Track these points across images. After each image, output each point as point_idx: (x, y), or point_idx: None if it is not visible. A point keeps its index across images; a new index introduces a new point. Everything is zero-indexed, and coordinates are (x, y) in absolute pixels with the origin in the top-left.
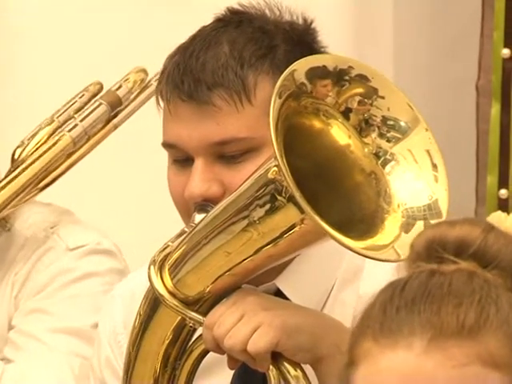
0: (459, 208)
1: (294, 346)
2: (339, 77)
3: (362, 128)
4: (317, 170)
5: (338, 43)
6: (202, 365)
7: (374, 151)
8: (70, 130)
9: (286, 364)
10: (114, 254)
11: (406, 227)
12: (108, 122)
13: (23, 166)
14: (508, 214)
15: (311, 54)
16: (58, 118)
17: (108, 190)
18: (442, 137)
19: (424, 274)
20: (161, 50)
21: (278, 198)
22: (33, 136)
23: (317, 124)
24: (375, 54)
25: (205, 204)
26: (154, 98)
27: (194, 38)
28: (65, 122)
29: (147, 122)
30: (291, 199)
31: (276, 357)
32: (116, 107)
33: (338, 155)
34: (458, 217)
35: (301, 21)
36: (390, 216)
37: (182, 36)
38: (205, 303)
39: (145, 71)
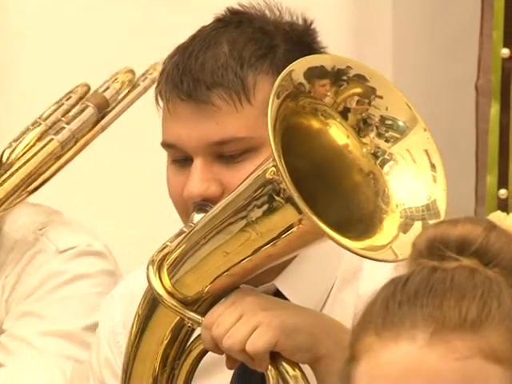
0: (459, 208)
1: (292, 345)
2: (337, 77)
3: (361, 128)
4: (315, 169)
5: (337, 43)
6: (201, 365)
7: (372, 151)
8: (57, 134)
9: (284, 364)
10: (105, 256)
11: (404, 227)
12: (96, 123)
13: (12, 169)
14: (507, 213)
15: (311, 55)
16: (45, 120)
17: (102, 190)
18: (441, 136)
19: (426, 270)
20: (161, 50)
21: (276, 198)
22: (20, 138)
23: (315, 124)
24: (375, 53)
25: (204, 204)
26: (145, 98)
27: (193, 38)
28: (53, 124)
29: (141, 122)
30: (289, 199)
31: (275, 357)
32: (103, 109)
33: (336, 155)
34: (458, 217)
35: (301, 21)
36: (389, 216)
37: (182, 36)
38: (203, 303)
39: (132, 72)
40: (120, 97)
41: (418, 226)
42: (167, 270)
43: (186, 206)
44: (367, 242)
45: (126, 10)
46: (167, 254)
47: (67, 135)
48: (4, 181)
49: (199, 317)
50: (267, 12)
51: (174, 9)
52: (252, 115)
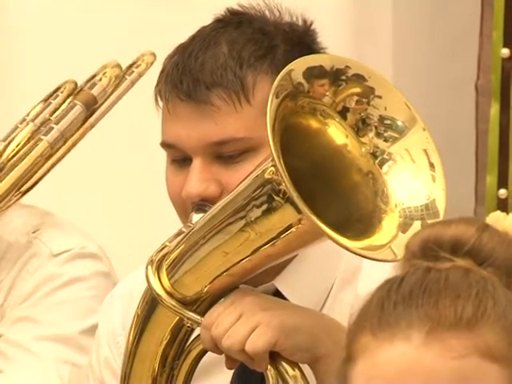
0: (458, 208)
1: (292, 345)
2: (336, 76)
3: (359, 127)
4: (314, 169)
5: (337, 43)
6: (201, 365)
7: (371, 151)
8: (46, 134)
9: (284, 364)
10: (99, 257)
11: (404, 227)
12: (85, 121)
13: (3, 172)
14: (507, 213)
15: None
16: (33, 120)
17: (101, 191)
18: (441, 136)
19: (420, 271)
20: (160, 50)
21: (275, 198)
22: (9, 137)
23: (314, 124)
24: (374, 53)
25: (202, 204)
26: (144, 98)
27: (193, 38)
28: (41, 124)
29: (141, 122)
30: (288, 199)
31: (274, 357)
32: (91, 106)
33: (335, 155)
34: (457, 217)
35: (300, 22)
36: (388, 216)
37: (182, 36)
38: (203, 303)
39: (119, 66)
40: (108, 93)
41: (417, 226)
42: (166, 270)
43: (185, 206)
44: (366, 242)
45: (126, 10)
46: (166, 254)
47: (56, 135)
48: None
49: (198, 317)
50: (267, 13)
51: (173, 9)
52: (251, 115)
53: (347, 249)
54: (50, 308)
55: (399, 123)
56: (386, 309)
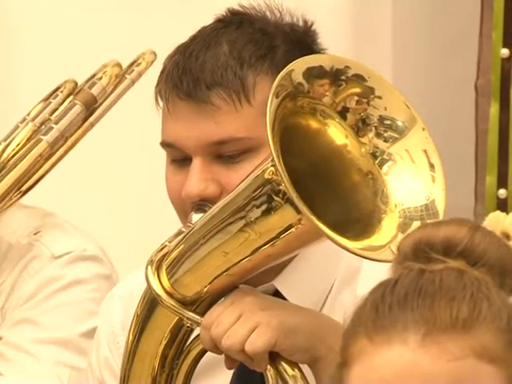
0: (458, 208)
1: (291, 345)
2: (336, 77)
3: (359, 128)
4: (314, 169)
5: (337, 43)
6: (201, 365)
7: (371, 151)
8: (45, 134)
9: (283, 364)
10: (100, 259)
11: (403, 227)
12: (84, 120)
13: (3, 172)
14: (507, 213)
15: None
16: (33, 120)
17: (100, 191)
18: (440, 136)
19: (414, 273)
20: (161, 50)
21: (275, 198)
22: (9, 137)
23: (314, 124)
24: (374, 53)
25: (202, 204)
26: (144, 98)
27: (193, 38)
28: (41, 124)
29: (141, 122)
30: (288, 200)
31: (274, 357)
32: (91, 106)
33: (335, 155)
34: (457, 217)
35: (301, 23)
36: (387, 216)
37: (182, 36)
38: (202, 303)
39: (119, 65)
40: (108, 92)
41: (416, 226)
42: (166, 270)
43: (185, 206)
44: (366, 242)
45: (126, 10)
46: (166, 254)
47: (56, 135)
48: None
49: (198, 317)
50: (268, 13)
51: (174, 9)
52: (251, 115)
53: (346, 249)
54: (51, 310)
55: (399, 123)
56: (381, 312)
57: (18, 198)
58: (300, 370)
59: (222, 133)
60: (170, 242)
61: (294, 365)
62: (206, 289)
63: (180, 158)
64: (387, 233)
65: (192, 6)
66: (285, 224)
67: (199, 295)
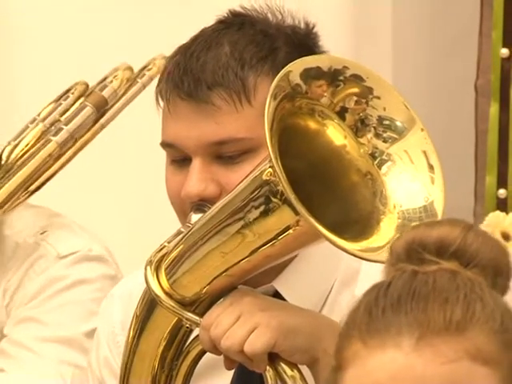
0: (458, 208)
1: (290, 346)
2: (334, 77)
3: (358, 128)
4: (312, 170)
5: (337, 43)
6: (201, 366)
7: (369, 151)
8: (55, 135)
9: (282, 365)
10: (106, 260)
11: (402, 229)
12: (95, 122)
13: (12, 171)
14: (507, 213)
15: None
16: (43, 120)
17: (100, 191)
18: (440, 136)
19: (407, 274)
20: (161, 50)
21: (273, 199)
22: (19, 137)
23: (312, 124)
24: (374, 53)
25: (201, 204)
26: (145, 98)
27: (195, 39)
28: (51, 125)
29: (141, 122)
30: (286, 201)
31: (273, 357)
32: (102, 108)
33: (333, 156)
34: (457, 217)
35: (303, 25)
36: (386, 217)
37: (183, 37)
38: (201, 304)
39: (131, 69)
40: (119, 95)
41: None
42: (165, 270)
43: (184, 206)
44: (364, 243)
45: (126, 10)
46: (165, 254)
47: (65, 136)
48: (4, 182)
49: (197, 317)
50: (269, 15)
51: (175, 10)
52: (252, 116)
53: (345, 250)
54: (55, 309)
55: (398, 124)
56: (375, 315)
57: (26, 198)
58: (299, 371)
59: (222, 133)
60: (169, 243)
61: (293, 365)
62: (205, 289)
63: (180, 159)
64: (386, 234)
65: (193, 7)
66: (283, 225)
67: (198, 296)
